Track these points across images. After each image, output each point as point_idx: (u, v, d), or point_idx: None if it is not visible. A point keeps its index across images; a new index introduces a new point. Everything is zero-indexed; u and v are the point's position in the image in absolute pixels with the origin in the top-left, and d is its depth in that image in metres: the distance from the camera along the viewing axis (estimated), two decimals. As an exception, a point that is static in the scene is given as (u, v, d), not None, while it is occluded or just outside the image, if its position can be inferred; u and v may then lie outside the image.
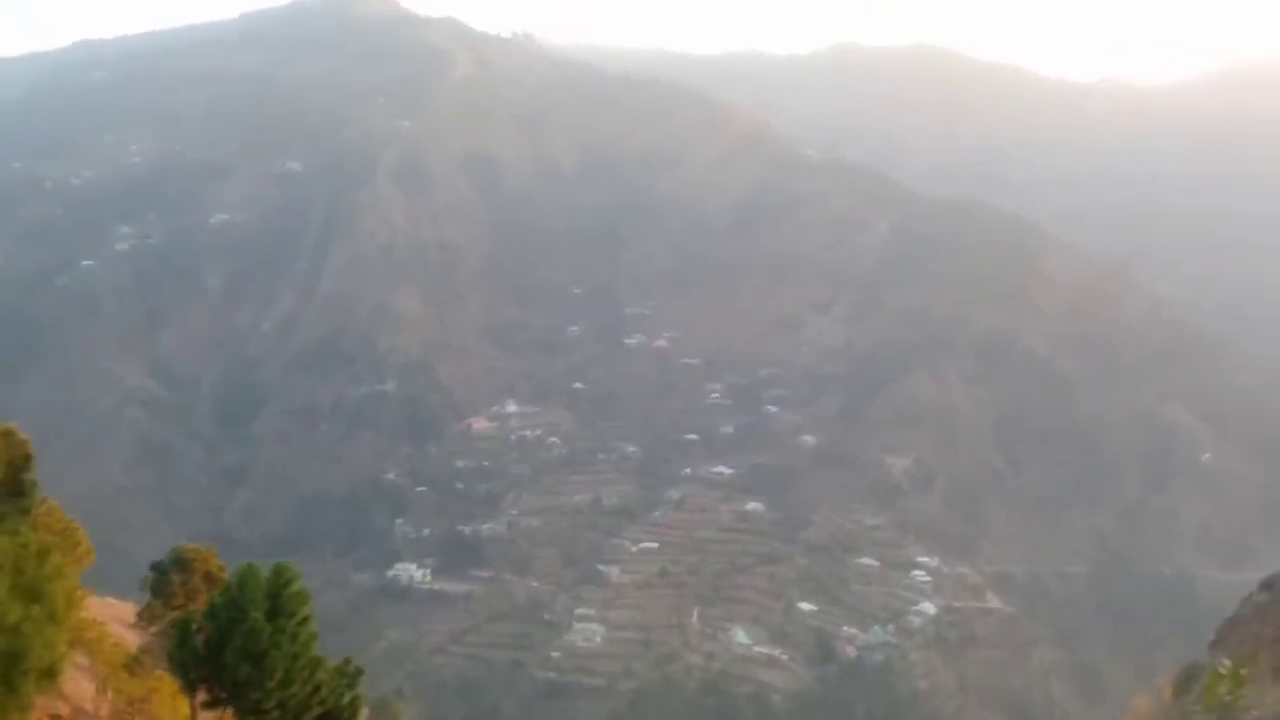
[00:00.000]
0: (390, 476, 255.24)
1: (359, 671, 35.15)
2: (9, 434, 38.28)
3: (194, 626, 32.63)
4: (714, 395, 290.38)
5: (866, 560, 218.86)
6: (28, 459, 38.42)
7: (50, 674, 26.63)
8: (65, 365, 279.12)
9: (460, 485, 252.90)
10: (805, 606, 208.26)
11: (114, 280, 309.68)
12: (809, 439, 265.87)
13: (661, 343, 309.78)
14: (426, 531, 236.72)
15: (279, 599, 31.60)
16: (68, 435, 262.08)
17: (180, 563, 44.09)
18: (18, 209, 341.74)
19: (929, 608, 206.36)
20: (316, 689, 32.15)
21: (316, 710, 32.39)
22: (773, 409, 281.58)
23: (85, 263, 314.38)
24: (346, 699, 33.68)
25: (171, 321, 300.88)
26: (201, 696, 33.32)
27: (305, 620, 32.09)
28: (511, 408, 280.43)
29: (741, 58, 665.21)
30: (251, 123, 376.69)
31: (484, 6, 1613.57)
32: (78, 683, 52.37)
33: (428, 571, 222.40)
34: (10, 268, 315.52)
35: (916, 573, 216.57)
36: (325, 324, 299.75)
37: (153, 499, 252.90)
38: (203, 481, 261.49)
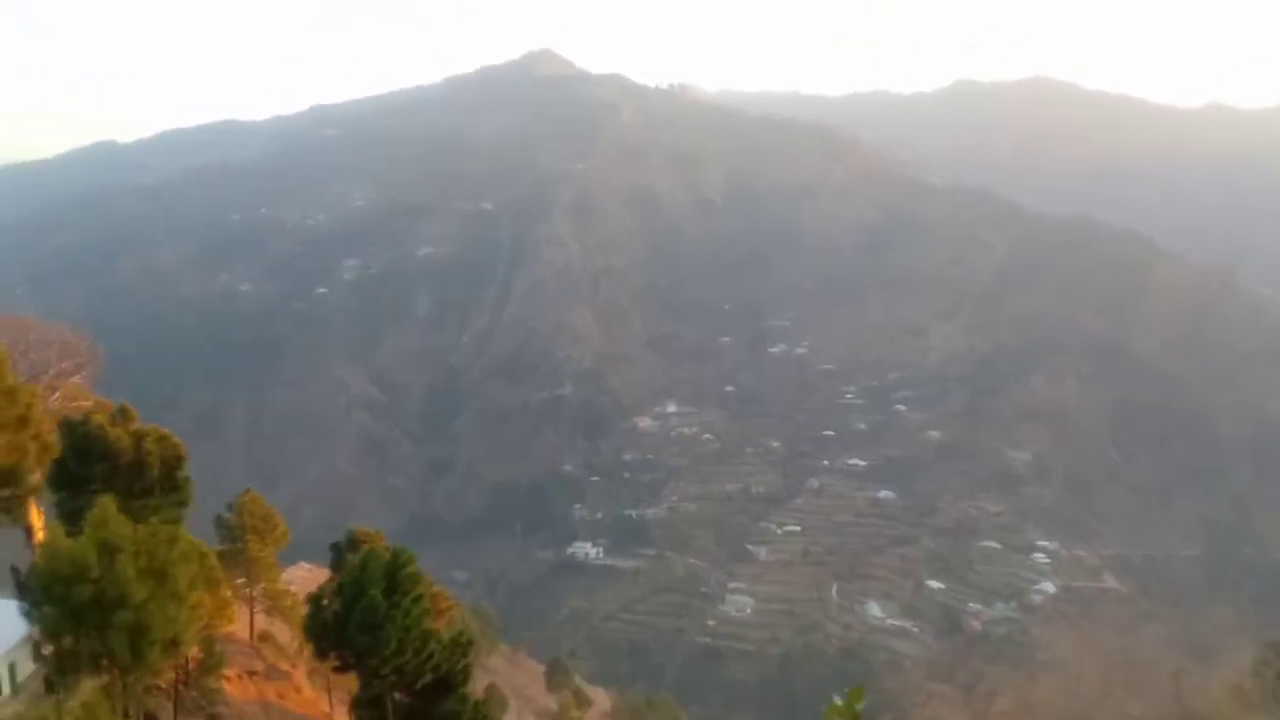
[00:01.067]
0: (568, 468, 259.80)
1: (470, 643, 35.02)
2: (164, 438, 39.74)
3: (324, 601, 33.01)
4: (848, 396, 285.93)
5: (989, 543, 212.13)
6: (180, 459, 39.48)
7: (174, 644, 27.38)
8: (303, 375, 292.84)
9: (628, 475, 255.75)
10: (933, 584, 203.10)
11: (342, 304, 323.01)
12: (935, 434, 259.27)
13: (801, 350, 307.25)
14: (599, 515, 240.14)
15: (395, 579, 31.68)
16: (306, 433, 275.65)
17: (353, 543, 44.86)
18: (264, 247, 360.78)
19: (1049, 586, 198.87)
20: (429, 657, 32.20)
21: (429, 676, 32.48)
22: (901, 408, 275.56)
23: (319, 290, 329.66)
24: (460, 665, 33.58)
25: (388, 338, 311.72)
26: (332, 662, 33.83)
27: (419, 598, 32.05)
28: (671, 408, 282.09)
29: (870, 97, 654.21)
30: (450, 170, 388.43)
31: (646, 62, 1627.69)
32: (278, 644, 54.37)
33: (601, 549, 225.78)
34: (259, 295, 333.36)
35: (1037, 555, 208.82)
36: (513, 338, 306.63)
37: (373, 485, 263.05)
38: (414, 471, 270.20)
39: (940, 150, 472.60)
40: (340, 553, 47.13)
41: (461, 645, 34.26)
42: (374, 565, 31.97)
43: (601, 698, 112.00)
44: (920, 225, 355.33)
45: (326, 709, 44.77)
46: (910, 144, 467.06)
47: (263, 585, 48.57)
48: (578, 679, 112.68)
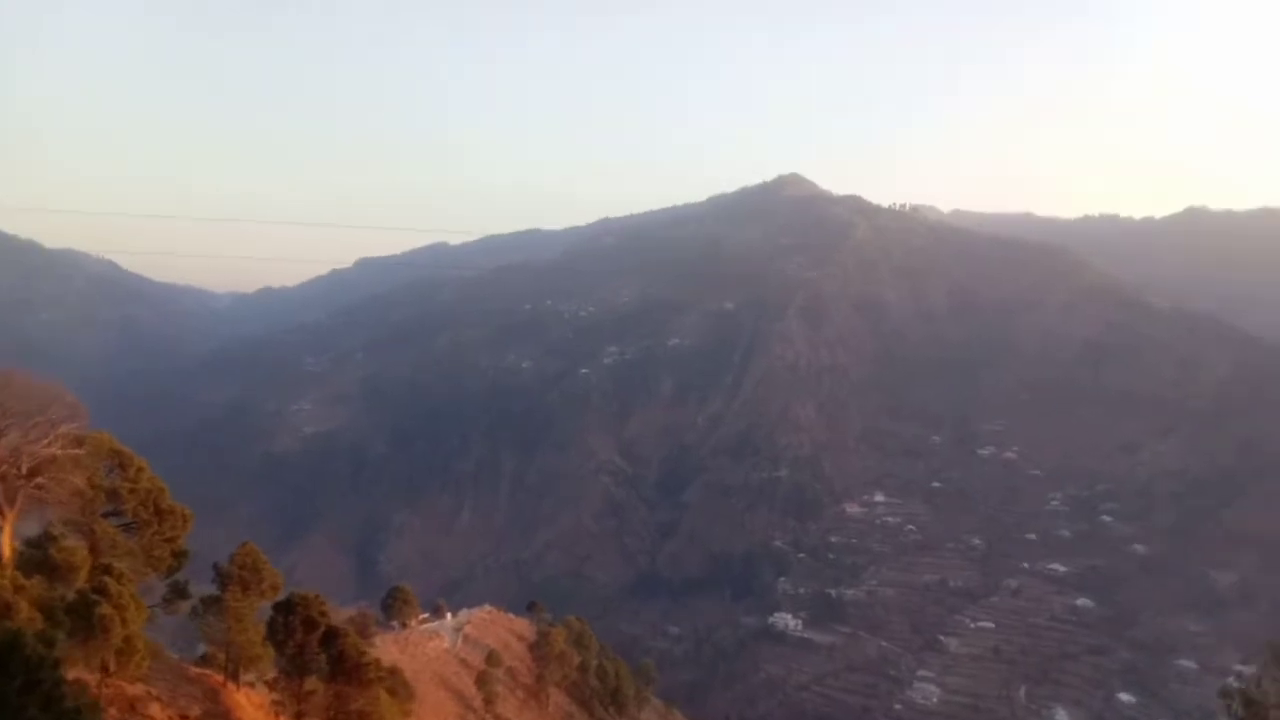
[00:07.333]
0: (778, 544, 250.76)
1: None
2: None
3: None
4: (1054, 503, 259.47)
5: (1185, 662, 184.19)
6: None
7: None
8: (562, 441, 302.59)
9: (832, 556, 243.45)
10: (1125, 697, 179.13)
11: (600, 384, 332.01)
12: (1140, 548, 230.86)
13: (1010, 455, 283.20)
14: (802, 590, 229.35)
15: None
16: (559, 491, 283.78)
17: (287, 607, 40.35)
18: (545, 332, 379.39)
19: (1242, 711, 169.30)
20: None
21: None
22: (1107, 519, 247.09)
23: (582, 371, 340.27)
24: None
25: (635, 415, 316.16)
26: None
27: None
28: (879, 498, 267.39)
29: (1100, 221, 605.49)
30: (704, 274, 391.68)
31: (883, 184, 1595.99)
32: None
33: (800, 622, 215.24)
34: (535, 372, 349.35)
35: (1233, 680, 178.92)
36: (741, 422, 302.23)
37: (610, 541, 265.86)
38: (645, 533, 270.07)
39: (1166, 276, 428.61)
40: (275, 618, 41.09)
41: None
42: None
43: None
44: (1141, 344, 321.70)
45: None
46: (1138, 267, 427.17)
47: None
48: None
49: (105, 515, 39.05)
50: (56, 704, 17.60)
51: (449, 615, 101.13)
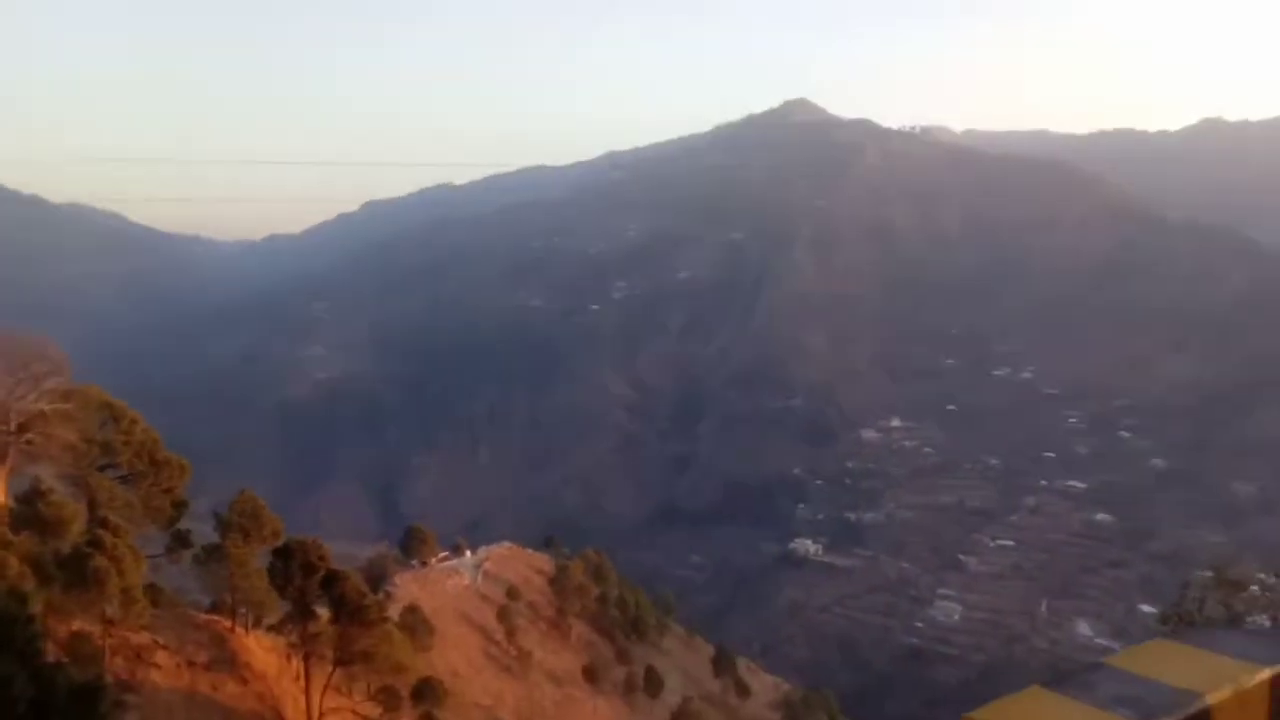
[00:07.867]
0: (795, 471, 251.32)
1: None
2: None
3: None
4: (1071, 420, 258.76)
5: (1207, 573, 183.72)
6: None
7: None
8: (575, 377, 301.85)
9: (849, 481, 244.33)
10: (1146, 608, 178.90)
11: (610, 319, 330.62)
12: (1158, 462, 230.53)
13: (1026, 375, 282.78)
14: (820, 516, 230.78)
15: None
16: (573, 427, 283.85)
17: (285, 552, 39.31)
18: (554, 270, 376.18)
19: (1264, 621, 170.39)
20: None
21: None
22: (1125, 434, 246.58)
23: (593, 307, 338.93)
24: None
25: (646, 348, 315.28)
26: None
27: None
28: (894, 422, 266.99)
29: (1115, 135, 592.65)
30: (711, 206, 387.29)
31: (894, 105, 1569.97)
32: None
33: (820, 547, 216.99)
34: (547, 309, 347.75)
35: (1254, 588, 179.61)
36: (752, 353, 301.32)
37: (626, 474, 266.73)
38: (660, 464, 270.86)
39: (1182, 189, 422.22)
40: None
41: None
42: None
43: (769, 687, 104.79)
44: (1155, 259, 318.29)
45: (276, 704, 39.86)
46: (1153, 181, 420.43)
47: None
48: (744, 668, 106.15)
49: (101, 468, 38.96)
50: (31, 660, 16.79)
51: (468, 553, 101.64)
